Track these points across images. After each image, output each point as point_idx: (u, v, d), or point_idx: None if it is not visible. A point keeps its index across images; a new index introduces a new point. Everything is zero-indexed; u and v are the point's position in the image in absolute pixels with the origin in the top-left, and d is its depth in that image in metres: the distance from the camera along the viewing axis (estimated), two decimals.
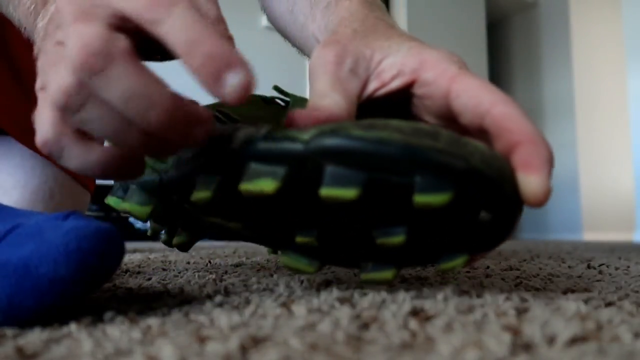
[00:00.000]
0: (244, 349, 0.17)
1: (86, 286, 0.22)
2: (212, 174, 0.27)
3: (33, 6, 0.29)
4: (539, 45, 4.26)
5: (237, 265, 0.54)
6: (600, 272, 0.49)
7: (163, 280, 0.39)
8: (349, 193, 0.23)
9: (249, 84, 0.23)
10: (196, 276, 0.42)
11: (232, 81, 0.22)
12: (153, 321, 0.22)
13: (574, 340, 0.18)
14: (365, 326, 0.21)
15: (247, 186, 0.25)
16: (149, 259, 0.69)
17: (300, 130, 0.25)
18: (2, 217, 0.27)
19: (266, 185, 0.25)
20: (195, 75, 0.23)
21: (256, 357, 0.16)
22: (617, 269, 0.54)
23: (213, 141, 0.27)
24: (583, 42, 4.02)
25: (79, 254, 0.21)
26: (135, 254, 0.84)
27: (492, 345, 0.17)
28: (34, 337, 0.19)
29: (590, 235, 3.79)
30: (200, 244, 1.90)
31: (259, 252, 0.87)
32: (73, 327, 0.21)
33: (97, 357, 0.17)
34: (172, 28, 0.23)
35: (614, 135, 3.98)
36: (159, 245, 1.60)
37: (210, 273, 0.44)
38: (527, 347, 0.17)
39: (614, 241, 2.52)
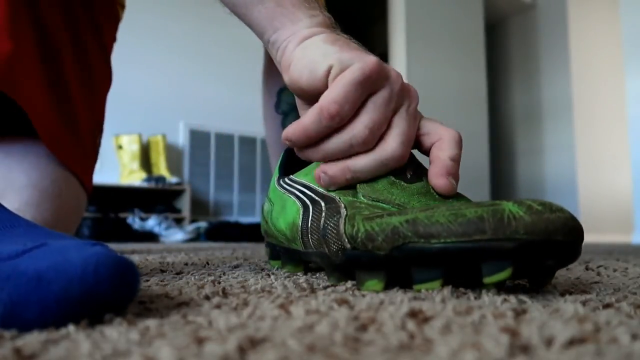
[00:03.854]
0: (242, 350, 0.17)
1: (92, 312, 0.22)
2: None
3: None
4: (537, 47, 4.26)
5: (235, 267, 0.54)
6: (598, 274, 0.49)
7: (161, 281, 0.39)
8: (434, 285, 0.31)
9: None
10: (194, 277, 0.42)
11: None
12: (151, 322, 0.22)
13: (572, 342, 0.18)
14: (363, 327, 0.21)
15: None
16: (147, 260, 0.69)
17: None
18: (32, 236, 0.27)
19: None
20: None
21: (254, 358, 0.16)
22: (615, 270, 0.54)
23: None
24: (581, 44, 4.03)
25: (94, 278, 0.21)
26: (133, 255, 0.84)
27: (490, 347, 0.17)
28: (32, 339, 0.19)
29: (588, 237, 3.79)
30: (198, 245, 1.90)
31: (257, 254, 0.87)
32: (71, 328, 0.21)
33: (95, 358, 0.17)
34: None
35: (612, 137, 3.99)
36: (156, 246, 1.60)
37: (209, 274, 0.44)
38: (525, 348, 0.17)
39: (612, 243, 2.52)
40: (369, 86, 0.36)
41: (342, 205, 0.36)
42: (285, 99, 0.81)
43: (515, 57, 4.47)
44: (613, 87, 4.00)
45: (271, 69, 0.83)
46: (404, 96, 0.38)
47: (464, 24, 3.82)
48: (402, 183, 0.36)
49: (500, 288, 0.32)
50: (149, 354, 0.17)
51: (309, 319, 0.22)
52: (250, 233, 2.78)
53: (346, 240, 0.34)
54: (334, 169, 0.37)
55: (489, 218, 0.29)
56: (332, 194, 0.38)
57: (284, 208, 0.42)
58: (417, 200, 0.35)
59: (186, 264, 0.57)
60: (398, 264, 0.32)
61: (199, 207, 3.46)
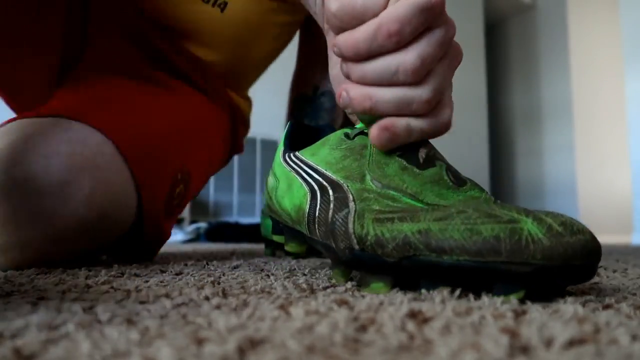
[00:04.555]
0: (241, 351, 0.17)
1: None
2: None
3: None
4: (537, 48, 4.27)
5: (235, 267, 0.54)
6: (598, 275, 0.49)
7: (161, 282, 0.39)
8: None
9: None
10: (194, 278, 0.42)
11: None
12: (151, 322, 0.22)
13: (572, 343, 0.18)
14: (362, 328, 0.21)
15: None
16: (147, 260, 0.68)
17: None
18: None
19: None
20: None
21: (254, 359, 0.16)
22: (614, 271, 0.54)
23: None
24: (581, 45, 4.03)
25: None
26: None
27: (490, 348, 0.17)
28: (31, 338, 0.19)
29: None
30: (198, 246, 1.90)
31: (256, 255, 0.87)
32: (71, 327, 0.21)
33: (95, 359, 0.17)
34: None
35: (612, 138, 3.99)
36: None
37: (209, 275, 0.44)
38: (525, 349, 0.17)
39: (612, 244, 2.53)
40: (430, 18, 0.33)
41: (350, 196, 0.35)
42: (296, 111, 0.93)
43: (515, 57, 4.47)
44: (613, 88, 4.00)
45: (298, 76, 0.94)
46: (453, 47, 0.36)
47: (464, 24, 3.82)
48: (415, 169, 0.35)
49: None
50: (148, 354, 0.17)
51: (308, 319, 0.22)
52: (250, 233, 2.77)
53: (355, 241, 0.33)
54: (357, 91, 0.35)
55: (505, 239, 0.28)
56: (341, 180, 0.36)
57: (290, 188, 0.41)
58: (429, 189, 0.34)
59: (186, 265, 0.57)
60: (406, 273, 0.31)
61: (199, 208, 3.46)
